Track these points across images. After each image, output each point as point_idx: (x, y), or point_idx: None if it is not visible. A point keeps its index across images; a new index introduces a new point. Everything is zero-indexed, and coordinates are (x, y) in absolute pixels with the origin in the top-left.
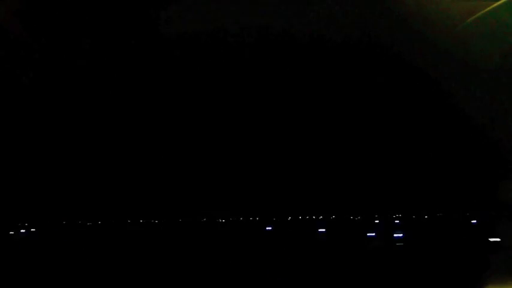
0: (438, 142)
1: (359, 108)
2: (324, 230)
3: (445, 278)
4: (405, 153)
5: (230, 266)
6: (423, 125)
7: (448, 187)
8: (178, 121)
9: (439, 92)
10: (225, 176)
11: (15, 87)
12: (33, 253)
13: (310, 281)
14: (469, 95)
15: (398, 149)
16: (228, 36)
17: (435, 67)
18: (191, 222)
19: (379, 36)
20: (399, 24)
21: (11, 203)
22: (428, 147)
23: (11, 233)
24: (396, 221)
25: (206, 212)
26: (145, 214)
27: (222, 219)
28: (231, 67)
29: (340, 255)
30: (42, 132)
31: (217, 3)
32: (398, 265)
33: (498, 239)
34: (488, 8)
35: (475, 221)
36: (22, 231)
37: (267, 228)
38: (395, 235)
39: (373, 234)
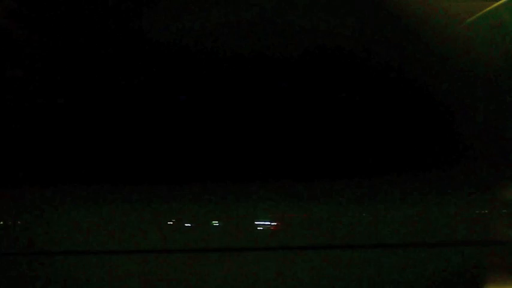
0: (438, 142)
1: (359, 108)
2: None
3: (445, 277)
4: (405, 153)
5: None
6: (423, 125)
7: (448, 187)
8: (178, 121)
9: (439, 92)
10: (225, 176)
11: (15, 87)
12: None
13: None
14: (469, 95)
15: (398, 149)
16: (224, 33)
17: (435, 67)
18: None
19: (377, 35)
20: (398, 24)
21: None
22: (428, 148)
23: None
24: None
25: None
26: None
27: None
28: (227, 65)
29: None
30: (42, 132)
31: (217, 3)
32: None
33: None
34: (488, 8)
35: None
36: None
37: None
38: None
39: None
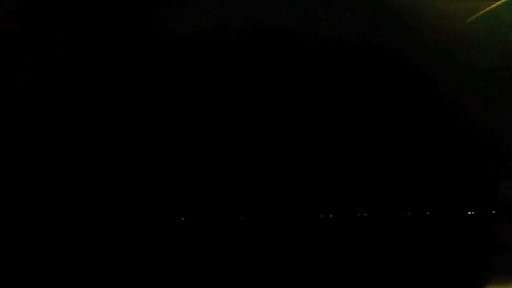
0: (438, 142)
1: (358, 108)
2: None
3: (445, 278)
4: (404, 153)
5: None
6: (423, 125)
7: (448, 187)
8: (178, 121)
9: (439, 92)
10: (225, 176)
11: (15, 87)
12: (33, 252)
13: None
14: (469, 95)
15: (397, 149)
16: (228, 35)
17: (435, 67)
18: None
19: (377, 35)
20: (398, 24)
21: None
22: (428, 147)
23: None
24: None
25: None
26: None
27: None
28: (231, 66)
29: None
30: (42, 132)
31: (219, 1)
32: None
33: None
34: (488, 8)
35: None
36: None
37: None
38: None
39: None
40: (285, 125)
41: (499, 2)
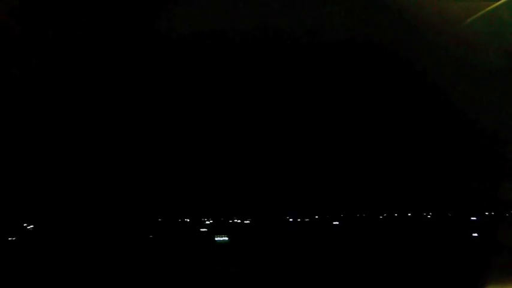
0: (438, 142)
1: (358, 108)
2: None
3: (445, 277)
4: (404, 153)
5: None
6: (423, 125)
7: (448, 187)
8: (179, 121)
9: (439, 92)
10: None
11: (15, 87)
12: (33, 252)
13: None
14: (469, 95)
15: (397, 149)
16: (227, 36)
17: (435, 67)
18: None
19: (378, 35)
20: (398, 24)
21: (12, 203)
22: (428, 147)
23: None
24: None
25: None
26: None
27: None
28: (230, 67)
29: None
30: (42, 132)
31: (217, 3)
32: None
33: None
34: (489, 8)
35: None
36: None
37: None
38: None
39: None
40: (285, 125)
41: (499, 2)
